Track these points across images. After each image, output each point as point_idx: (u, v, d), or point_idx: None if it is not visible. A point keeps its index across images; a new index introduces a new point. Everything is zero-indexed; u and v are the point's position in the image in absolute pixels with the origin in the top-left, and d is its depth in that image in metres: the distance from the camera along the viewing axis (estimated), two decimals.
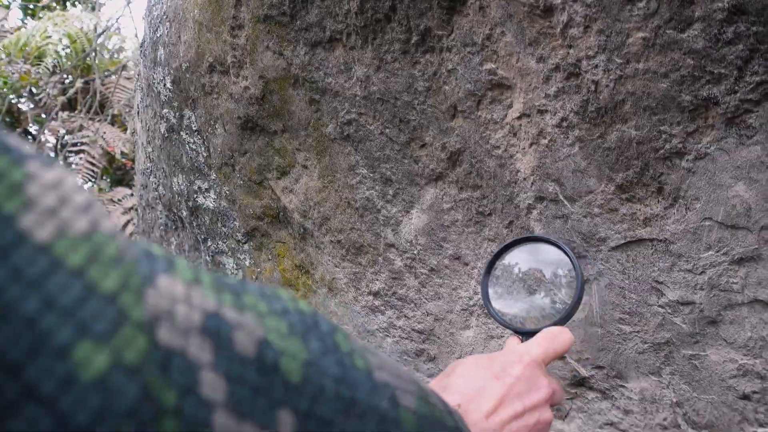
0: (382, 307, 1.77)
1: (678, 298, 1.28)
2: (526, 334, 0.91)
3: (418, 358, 1.73)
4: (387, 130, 1.61)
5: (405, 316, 1.73)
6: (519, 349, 0.77)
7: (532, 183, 1.38)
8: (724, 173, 1.16)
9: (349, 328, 1.87)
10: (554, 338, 0.79)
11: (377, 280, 1.76)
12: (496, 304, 1.03)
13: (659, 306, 1.31)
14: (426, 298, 1.67)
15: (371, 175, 1.69)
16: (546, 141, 1.33)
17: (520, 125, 1.37)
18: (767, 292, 1.18)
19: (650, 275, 1.30)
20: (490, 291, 1.07)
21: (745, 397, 1.25)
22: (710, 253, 1.22)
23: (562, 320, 0.93)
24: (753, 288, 1.19)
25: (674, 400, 1.34)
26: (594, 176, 1.29)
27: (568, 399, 1.49)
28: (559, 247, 1.05)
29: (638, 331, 1.35)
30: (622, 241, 1.31)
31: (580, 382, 1.46)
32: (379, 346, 1.80)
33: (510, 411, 0.67)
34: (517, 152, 1.40)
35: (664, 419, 1.35)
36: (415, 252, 1.65)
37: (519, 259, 1.07)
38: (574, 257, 1.01)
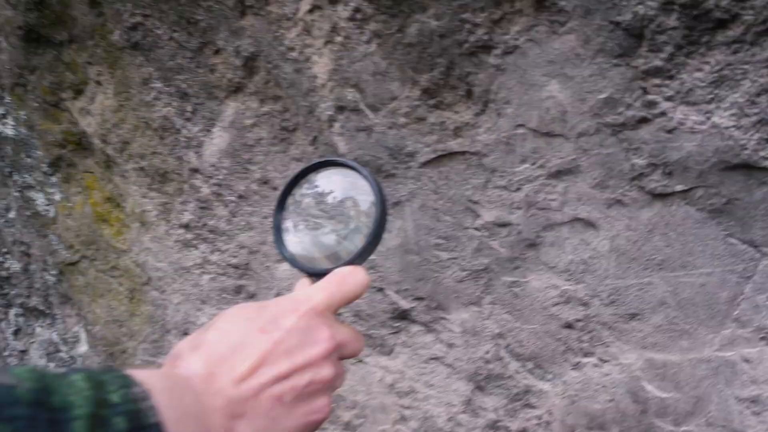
0: (195, 241, 1.50)
1: (494, 219, 1.07)
2: (317, 275, 0.70)
3: (238, 295, 1.48)
4: (176, 35, 1.29)
5: (219, 250, 1.46)
6: (298, 296, 0.61)
7: (331, 90, 1.11)
8: (536, 70, 0.93)
9: (164, 265, 1.59)
10: (343, 281, 0.63)
11: (186, 210, 1.47)
12: (287, 241, 0.79)
13: (475, 228, 1.10)
14: (238, 229, 1.41)
15: (167, 89, 1.37)
16: (341, 38, 1.06)
17: (313, 20, 1.09)
18: (588, 209, 0.99)
19: (464, 194, 1.08)
20: (282, 226, 0.83)
21: (568, 325, 1.08)
22: (525, 166, 1.00)
23: (357, 258, 0.72)
24: (573, 205, 1.00)
25: (496, 331, 1.15)
26: (396, 79, 1.04)
27: (391, 333, 1.29)
28: (357, 171, 0.81)
29: (456, 258, 1.14)
30: (433, 156, 1.07)
31: (403, 315, 1.26)
32: (197, 285, 1.54)
33: (272, 372, 0.52)
34: (313, 54, 1.12)
35: (486, 352, 1.17)
36: (220, 177, 1.37)
37: (314, 188, 0.82)
38: (374, 182, 0.77)
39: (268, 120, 1.25)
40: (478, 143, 1.02)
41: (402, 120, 1.06)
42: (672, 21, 0.81)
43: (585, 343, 1.08)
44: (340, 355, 0.59)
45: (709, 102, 0.83)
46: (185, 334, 1.61)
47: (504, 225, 1.06)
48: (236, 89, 1.27)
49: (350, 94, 1.09)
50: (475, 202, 1.07)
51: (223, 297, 1.51)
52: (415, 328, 1.26)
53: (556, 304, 1.08)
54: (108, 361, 1.87)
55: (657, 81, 0.85)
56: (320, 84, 1.12)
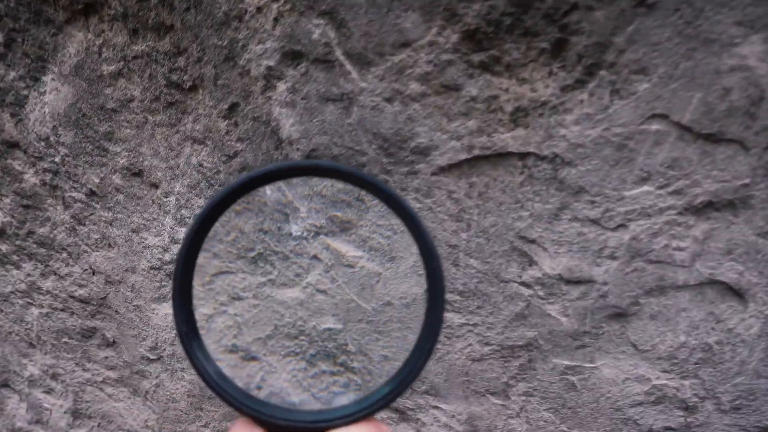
0: (16, 256, 0.91)
1: (562, 270, 0.61)
2: (281, 428, 0.32)
3: (87, 340, 0.93)
4: None
5: (55, 273, 0.89)
6: None
7: (276, 18, 0.59)
8: (723, 12, 0.47)
9: None
10: None
11: (0, 208, 0.88)
12: (208, 345, 0.33)
13: (523, 283, 0.63)
14: (87, 244, 0.85)
15: None
16: None
17: None
18: (740, 269, 0.56)
19: (512, 225, 0.61)
20: (201, 314, 0.31)
21: None
22: (646, 188, 0.55)
23: (382, 401, 0.33)
24: (713, 260, 0.56)
25: None
26: (415, 8, 0.54)
27: None
28: (375, 189, 0.29)
29: (478, 324, 0.67)
30: (465, 156, 0.59)
31: None
32: (21, 320, 0.96)
33: None
34: None
35: None
36: (57, 159, 0.80)
37: (277, 232, 0.42)
38: (422, 223, 0.25)
39: (145, 68, 0.70)
40: (561, 142, 0.55)
41: (414, 87, 0.57)
42: None
43: None
44: None
45: None
46: (5, 385, 1.03)
47: (578, 282, 0.61)
48: (85, 9, 0.70)
49: (317, 30, 0.57)
50: (531, 241, 0.61)
51: (63, 342, 0.94)
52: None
53: (638, 404, 0.65)
54: None
55: None
56: (254, 6, 0.59)
